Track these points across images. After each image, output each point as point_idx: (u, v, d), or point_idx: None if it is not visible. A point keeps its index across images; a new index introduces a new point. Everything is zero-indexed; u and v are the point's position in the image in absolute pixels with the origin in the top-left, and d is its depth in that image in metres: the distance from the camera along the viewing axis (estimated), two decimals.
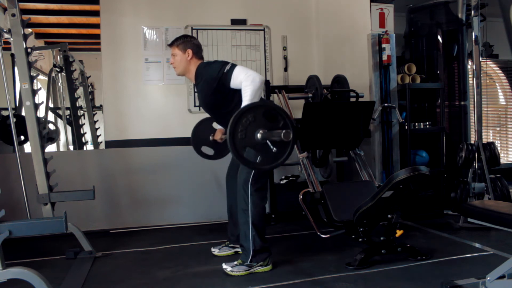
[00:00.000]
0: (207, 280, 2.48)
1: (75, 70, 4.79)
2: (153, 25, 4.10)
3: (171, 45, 2.72)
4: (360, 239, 2.66)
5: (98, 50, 4.07)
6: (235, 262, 2.55)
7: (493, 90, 6.04)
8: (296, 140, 2.40)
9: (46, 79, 4.82)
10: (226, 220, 3.05)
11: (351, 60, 4.15)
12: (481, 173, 3.50)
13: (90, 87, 5.03)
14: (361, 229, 2.64)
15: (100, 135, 4.75)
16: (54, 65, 4.80)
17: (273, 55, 4.38)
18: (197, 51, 2.71)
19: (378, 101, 3.79)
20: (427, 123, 3.98)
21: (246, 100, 2.43)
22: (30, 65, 2.93)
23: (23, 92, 2.91)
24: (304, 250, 3.04)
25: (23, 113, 3.00)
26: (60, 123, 4.97)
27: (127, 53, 4.05)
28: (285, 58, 4.40)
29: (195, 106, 4.17)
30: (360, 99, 3.42)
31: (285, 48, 4.40)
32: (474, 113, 3.63)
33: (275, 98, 3.90)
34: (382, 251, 2.64)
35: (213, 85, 2.55)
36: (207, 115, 3.20)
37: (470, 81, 4.38)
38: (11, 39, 2.87)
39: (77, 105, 4.78)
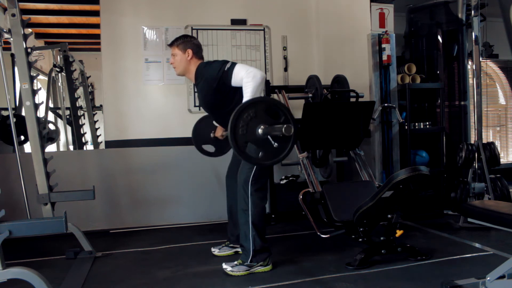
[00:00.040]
0: (207, 280, 2.48)
1: (75, 70, 4.79)
2: (153, 25, 4.10)
3: (171, 45, 2.72)
4: (360, 239, 2.67)
5: (98, 50, 4.07)
6: (235, 262, 2.55)
7: (493, 90, 6.04)
8: (296, 140, 2.40)
9: (46, 79, 4.82)
10: (226, 220, 3.05)
11: (351, 60, 4.15)
12: (481, 173, 3.50)
13: (90, 87, 5.03)
14: (361, 229, 2.64)
15: (100, 135, 4.75)
16: (54, 65, 4.80)
17: (273, 55, 4.38)
18: (197, 51, 2.71)
19: (378, 101, 3.79)
20: (427, 123, 3.98)
21: (247, 97, 2.43)
22: (30, 65, 2.93)
23: (23, 92, 2.91)
24: (304, 250, 3.04)
25: (23, 113, 3.00)
26: (60, 123, 4.97)
27: (127, 53, 4.05)
28: (285, 58, 4.40)
29: (195, 106, 4.17)
30: (360, 99, 3.42)
31: (285, 48, 4.40)
32: (474, 113, 3.63)
33: (275, 98, 3.89)
34: (382, 251, 2.64)
35: (213, 85, 2.55)
36: (205, 115, 3.21)
37: (470, 81, 4.38)
38: (11, 39, 2.87)
39: (77, 105, 4.78)
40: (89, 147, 4.86)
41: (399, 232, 2.63)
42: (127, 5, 4.05)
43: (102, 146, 4.21)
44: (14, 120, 2.97)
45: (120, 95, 4.03)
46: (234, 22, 4.28)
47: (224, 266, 2.56)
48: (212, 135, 3.17)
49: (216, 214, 3.98)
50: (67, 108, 4.87)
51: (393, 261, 2.64)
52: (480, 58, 3.56)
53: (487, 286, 1.90)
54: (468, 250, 2.87)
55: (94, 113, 4.93)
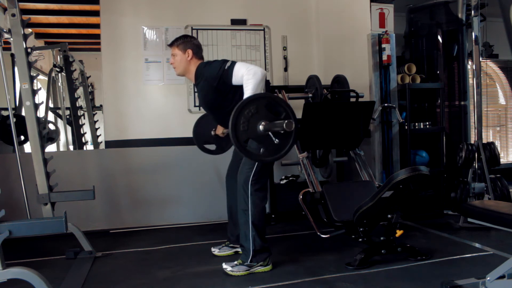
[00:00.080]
0: (207, 280, 2.48)
1: (75, 70, 4.79)
2: (153, 25, 4.10)
3: (171, 45, 2.72)
4: (360, 239, 2.67)
5: (98, 50, 4.07)
6: (235, 262, 2.55)
7: (493, 90, 6.04)
8: (296, 137, 2.39)
9: (46, 79, 4.81)
10: (226, 220, 3.05)
11: (351, 60, 4.15)
12: (481, 173, 3.50)
13: (90, 87, 5.03)
14: (361, 229, 2.64)
15: (100, 135, 4.74)
16: (54, 65, 4.80)
17: (273, 55, 4.38)
18: (197, 51, 2.71)
19: (378, 101, 3.79)
20: (427, 123, 3.98)
21: (248, 94, 2.43)
22: (30, 65, 2.93)
23: (23, 92, 2.91)
24: (304, 250, 3.04)
25: (23, 113, 3.00)
26: (60, 123, 4.97)
27: (127, 53, 4.05)
28: (285, 58, 4.40)
29: (195, 106, 4.17)
30: (360, 99, 3.42)
31: (285, 48, 4.40)
32: (474, 113, 3.63)
33: None
34: (382, 251, 2.64)
35: (213, 84, 2.55)
36: (206, 113, 3.21)
37: (470, 81, 4.38)
38: (11, 39, 2.87)
39: (77, 105, 4.78)
40: (89, 147, 4.85)
41: (399, 232, 2.63)
42: (127, 5, 4.05)
43: (102, 146, 4.21)
44: (14, 120, 2.97)
45: (120, 95, 4.03)
46: (234, 22, 4.28)
47: (224, 266, 2.56)
48: (213, 132, 3.18)
49: (216, 214, 3.98)
50: (67, 108, 4.86)
51: (393, 261, 2.64)
52: (480, 58, 3.56)
53: (487, 286, 1.90)
54: (468, 250, 2.87)
55: (94, 113, 4.93)
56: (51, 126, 4.67)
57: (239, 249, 2.79)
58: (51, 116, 4.88)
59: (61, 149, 4.89)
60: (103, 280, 2.55)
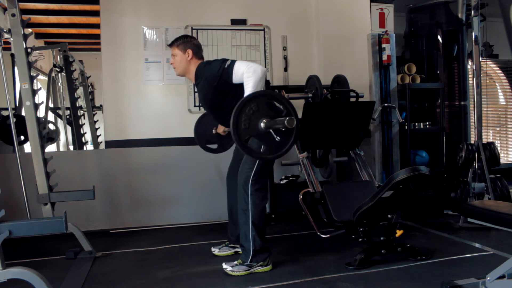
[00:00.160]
0: (207, 280, 2.48)
1: (75, 70, 4.79)
2: (153, 25, 4.10)
3: (171, 45, 2.72)
4: (360, 239, 2.67)
5: (98, 50, 4.07)
6: (235, 262, 2.55)
7: (493, 90, 6.04)
8: (298, 135, 2.39)
9: (46, 79, 4.81)
10: (226, 220, 3.05)
11: (351, 60, 4.15)
12: (481, 173, 3.50)
13: (90, 87, 5.03)
14: (361, 229, 2.64)
15: (100, 135, 4.74)
16: (54, 65, 4.80)
17: (273, 55, 4.38)
18: (197, 51, 2.71)
19: (378, 101, 3.79)
20: (427, 123, 3.98)
21: (248, 91, 2.42)
22: (30, 65, 2.93)
23: (23, 92, 2.91)
24: (304, 250, 3.04)
25: (23, 113, 3.00)
26: (60, 123, 4.97)
27: (127, 53, 4.05)
28: (285, 58, 4.40)
29: (195, 106, 4.17)
30: (360, 99, 3.42)
31: (285, 48, 4.40)
32: (474, 113, 3.63)
33: None
34: (382, 251, 2.64)
35: (213, 83, 2.55)
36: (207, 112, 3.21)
37: (470, 81, 4.38)
38: (11, 39, 2.87)
39: (77, 105, 4.78)
40: (89, 147, 4.85)
41: (399, 232, 2.63)
42: (127, 5, 4.05)
43: (102, 146, 4.21)
44: (14, 120, 2.97)
45: (120, 95, 4.03)
46: (234, 22, 4.28)
47: (224, 266, 2.56)
48: (214, 131, 3.18)
49: (216, 214, 3.99)
50: (67, 108, 4.86)
51: (393, 261, 2.64)
52: (480, 58, 3.56)
53: (487, 286, 1.90)
54: (468, 250, 2.87)
55: (94, 113, 4.93)
56: (51, 126, 4.67)
57: (239, 249, 2.79)
58: (51, 116, 4.88)
59: (61, 149, 4.89)
60: (103, 280, 2.55)
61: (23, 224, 2.03)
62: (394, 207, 2.61)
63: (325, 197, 2.84)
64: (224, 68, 2.51)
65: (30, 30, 3.98)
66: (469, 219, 2.13)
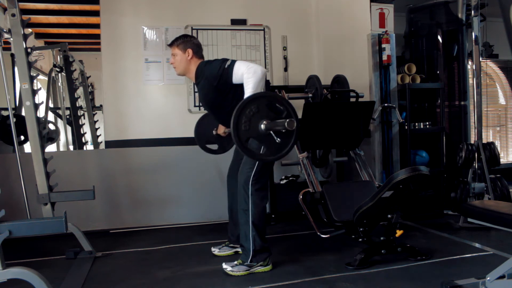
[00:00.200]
0: (207, 280, 2.48)
1: (75, 70, 4.79)
2: (153, 25, 4.10)
3: (171, 45, 2.72)
4: (360, 239, 2.67)
5: (98, 50, 4.07)
6: (235, 262, 2.55)
7: (493, 90, 6.04)
8: (297, 139, 2.40)
9: (46, 79, 4.82)
10: (226, 220, 3.05)
11: (351, 60, 4.15)
12: (481, 173, 3.50)
13: (90, 87, 5.03)
14: (361, 229, 2.64)
15: (100, 135, 4.74)
16: (54, 65, 4.80)
17: (273, 55, 4.38)
18: (197, 50, 2.71)
19: (378, 101, 3.79)
20: (427, 123, 3.98)
21: (248, 92, 2.42)
22: (30, 65, 2.93)
23: (23, 92, 2.91)
24: (304, 250, 3.04)
25: (23, 113, 3.00)
26: (60, 123, 4.97)
27: (127, 53, 4.05)
28: (285, 58, 4.40)
29: (195, 106, 4.17)
30: (360, 99, 3.42)
31: (285, 48, 4.40)
32: (474, 113, 3.63)
33: None
34: (382, 251, 2.64)
35: (214, 83, 2.55)
36: (208, 112, 3.21)
37: (470, 81, 4.38)
38: (11, 39, 2.87)
39: (77, 105, 4.78)
40: (89, 147, 4.86)
41: (399, 232, 2.63)
42: (127, 5, 4.05)
43: (102, 146, 4.21)
44: (14, 120, 2.97)
45: (120, 95, 4.03)
46: (234, 22, 4.28)
47: (224, 266, 2.56)
48: (214, 132, 3.17)
49: (216, 214, 3.99)
50: (67, 108, 4.86)
51: (393, 261, 2.64)
52: (480, 58, 3.56)
53: (487, 286, 1.90)
54: (468, 250, 2.87)
55: (94, 113, 4.93)
56: (51, 126, 4.67)
57: (239, 249, 2.79)
58: (51, 116, 4.88)
59: (61, 149, 4.89)
60: (103, 280, 2.55)
61: (23, 224, 2.03)
62: (394, 207, 2.61)
63: (325, 197, 2.84)
64: (224, 68, 2.51)
65: (30, 30, 3.98)
66: (469, 219, 2.13)
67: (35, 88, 2.97)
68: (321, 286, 2.32)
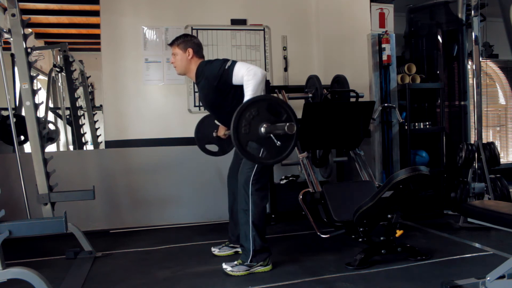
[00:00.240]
0: (207, 280, 2.48)
1: (75, 70, 4.79)
2: (153, 25, 4.10)
3: (171, 44, 2.72)
4: (360, 239, 2.67)
5: (98, 50, 4.07)
6: (235, 262, 2.55)
7: (493, 90, 6.04)
8: (296, 144, 2.40)
9: (46, 79, 4.82)
10: (226, 220, 3.05)
11: (351, 60, 4.15)
12: (481, 173, 3.50)
13: (90, 87, 5.03)
14: (361, 229, 2.64)
15: (100, 135, 4.74)
16: (54, 65, 4.80)
17: (273, 55, 4.38)
18: (198, 50, 2.71)
19: (378, 101, 3.79)
20: (427, 123, 3.98)
21: (248, 95, 2.42)
22: (30, 65, 2.93)
23: (23, 92, 2.91)
24: (304, 250, 3.04)
25: (23, 113, 3.00)
26: (60, 123, 4.97)
27: (127, 53, 4.05)
28: (285, 58, 4.40)
29: (195, 106, 4.17)
30: (360, 99, 3.42)
31: (285, 48, 4.40)
32: (474, 113, 3.63)
33: None
34: (382, 251, 2.64)
35: (214, 83, 2.55)
36: (208, 114, 3.21)
37: (470, 81, 4.38)
38: (11, 39, 2.87)
39: (77, 105, 4.78)
40: (89, 147, 4.86)
41: (399, 232, 2.63)
42: (127, 5, 4.05)
43: (102, 146, 4.21)
44: (14, 120, 2.97)
45: (120, 95, 4.03)
46: (234, 22, 4.28)
47: (224, 266, 2.56)
48: (214, 134, 3.17)
49: (216, 214, 3.99)
50: (67, 108, 4.87)
51: (393, 261, 2.64)
52: (480, 58, 3.56)
53: (487, 286, 1.90)
54: (468, 250, 2.87)
55: (94, 113, 4.93)
56: (51, 126, 4.67)
57: (239, 249, 2.79)
58: (51, 116, 4.88)
59: (61, 149, 4.89)
60: (103, 280, 2.55)
61: (23, 224, 2.03)
62: (394, 207, 2.61)
63: (325, 197, 2.84)
64: (224, 68, 2.51)
65: (30, 30, 3.98)
66: (469, 219, 2.13)
67: (35, 88, 2.97)
68: (321, 286, 2.32)
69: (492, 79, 6.04)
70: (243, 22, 4.30)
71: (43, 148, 2.96)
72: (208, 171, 4.04)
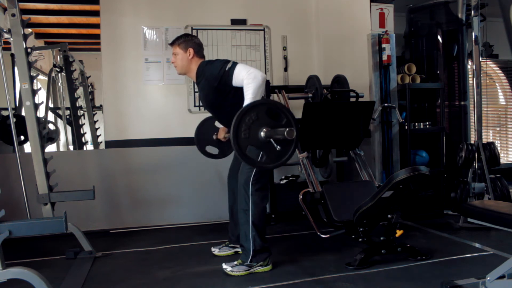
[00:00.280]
0: (207, 280, 2.48)
1: (75, 70, 4.79)
2: (153, 25, 4.10)
3: (172, 44, 2.72)
4: (360, 239, 2.67)
5: (98, 50, 4.07)
6: (235, 262, 2.55)
7: (493, 90, 6.04)
8: (296, 148, 2.41)
9: (46, 79, 4.82)
10: (226, 220, 3.05)
11: (351, 60, 4.15)
12: (481, 173, 3.50)
13: (90, 87, 5.03)
14: (361, 229, 2.64)
15: (100, 135, 4.75)
16: (54, 65, 4.80)
17: (273, 55, 4.38)
18: (198, 50, 2.71)
19: (378, 101, 3.79)
20: (427, 123, 3.98)
21: (248, 98, 2.43)
22: (30, 65, 2.93)
23: (23, 92, 2.91)
24: (304, 250, 3.04)
25: (23, 113, 3.00)
26: (60, 123, 4.97)
27: (127, 53, 4.05)
28: (285, 58, 4.40)
29: (195, 106, 4.17)
30: (360, 99, 3.42)
31: (285, 48, 4.40)
32: (474, 113, 3.63)
33: (275, 98, 3.89)
34: (382, 251, 2.64)
35: (214, 84, 2.55)
36: (208, 115, 3.22)
37: (470, 81, 4.38)
38: (11, 39, 2.87)
39: (77, 105, 4.78)
40: (89, 147, 4.86)
41: (399, 232, 2.63)
42: (127, 5, 4.05)
43: (102, 146, 4.21)
44: (14, 120, 2.97)
45: (120, 95, 4.03)
46: (234, 22, 4.28)
47: (224, 266, 2.56)
48: (214, 137, 3.17)
49: (216, 214, 3.99)
50: (67, 108, 4.87)
51: (393, 261, 2.64)
52: (480, 58, 3.56)
53: (487, 286, 1.90)
54: (468, 250, 2.87)
55: (94, 113, 4.93)
56: (51, 126, 4.67)
57: (239, 249, 2.79)
58: (51, 116, 4.88)
59: (61, 149, 4.89)
60: (103, 280, 2.55)
61: (23, 224, 2.03)
62: (394, 207, 2.61)
63: (325, 197, 2.84)
64: (225, 70, 2.51)
65: (30, 30, 3.98)
66: (469, 219, 2.13)
67: (35, 88, 2.97)
68: (321, 286, 2.32)
69: (492, 79, 6.04)
70: (243, 22, 4.30)
71: (43, 148, 2.96)
72: (208, 171, 4.04)
